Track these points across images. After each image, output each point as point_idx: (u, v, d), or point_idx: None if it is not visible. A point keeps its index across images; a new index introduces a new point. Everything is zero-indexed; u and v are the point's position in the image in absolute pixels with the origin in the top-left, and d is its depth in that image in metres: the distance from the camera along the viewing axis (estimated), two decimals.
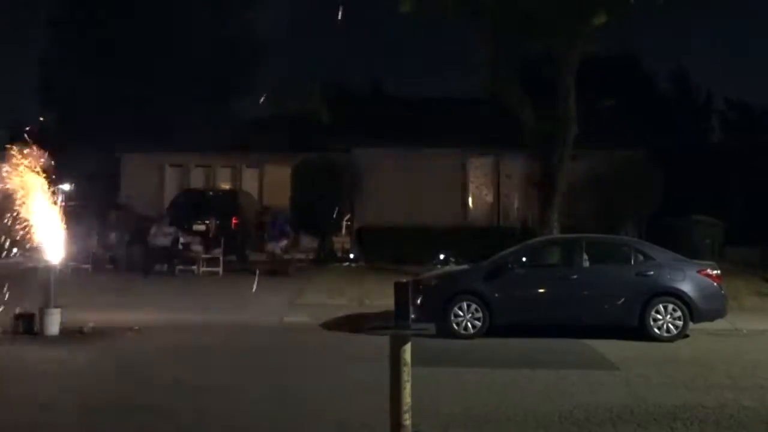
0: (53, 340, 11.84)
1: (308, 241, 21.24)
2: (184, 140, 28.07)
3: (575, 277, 12.76)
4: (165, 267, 19.39)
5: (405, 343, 5.70)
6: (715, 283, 12.63)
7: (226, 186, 27.42)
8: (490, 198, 22.93)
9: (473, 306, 12.48)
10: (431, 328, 12.56)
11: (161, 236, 19.60)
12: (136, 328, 12.85)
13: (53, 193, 12.50)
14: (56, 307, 12.22)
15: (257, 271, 19.36)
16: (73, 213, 13.25)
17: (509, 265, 12.92)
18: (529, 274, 12.99)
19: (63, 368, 9.97)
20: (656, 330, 12.21)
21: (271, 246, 20.11)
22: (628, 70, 34.07)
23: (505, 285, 12.68)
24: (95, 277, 18.92)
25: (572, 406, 8.07)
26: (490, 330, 12.43)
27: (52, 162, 12.55)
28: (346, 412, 7.99)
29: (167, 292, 16.59)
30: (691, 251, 15.82)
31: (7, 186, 12.09)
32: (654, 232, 21.12)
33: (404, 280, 5.91)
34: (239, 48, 35.82)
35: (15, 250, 12.91)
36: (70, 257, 18.59)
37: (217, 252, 19.85)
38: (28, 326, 12.11)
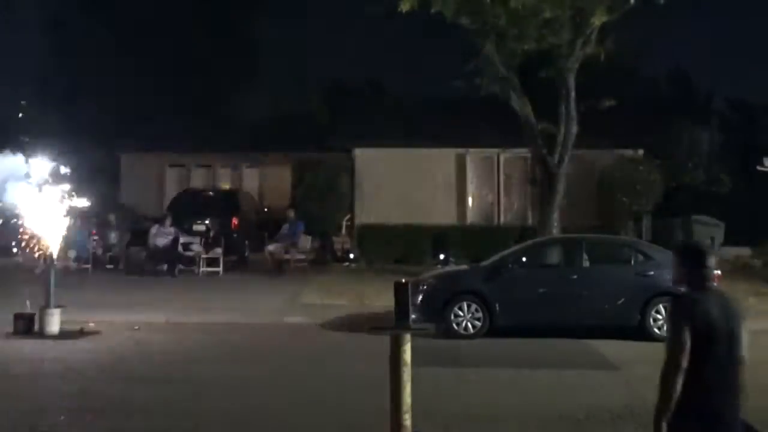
0: (53, 339, 11.83)
1: (308, 241, 21.18)
2: (184, 140, 28.10)
3: (575, 277, 12.77)
4: (165, 267, 19.38)
5: (405, 343, 5.69)
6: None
7: (226, 186, 27.41)
8: (490, 198, 22.87)
9: (473, 306, 12.47)
10: (431, 328, 12.56)
11: (161, 236, 19.59)
12: (136, 328, 12.85)
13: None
14: (56, 307, 12.22)
15: (257, 271, 19.39)
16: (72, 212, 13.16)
17: (509, 265, 12.93)
18: (530, 275, 13.00)
19: (63, 368, 9.96)
20: (656, 330, 12.18)
21: (272, 246, 20.09)
22: (629, 70, 34.00)
23: (506, 285, 12.68)
24: (95, 277, 18.92)
25: (572, 406, 8.07)
26: (491, 330, 12.43)
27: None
28: (346, 412, 8.00)
29: (167, 292, 16.58)
30: None
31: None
32: (654, 232, 21.14)
33: (404, 280, 5.88)
34: (239, 47, 35.82)
35: (15, 249, 12.87)
36: (70, 257, 18.68)
37: (217, 252, 19.84)
38: (28, 326, 12.11)
